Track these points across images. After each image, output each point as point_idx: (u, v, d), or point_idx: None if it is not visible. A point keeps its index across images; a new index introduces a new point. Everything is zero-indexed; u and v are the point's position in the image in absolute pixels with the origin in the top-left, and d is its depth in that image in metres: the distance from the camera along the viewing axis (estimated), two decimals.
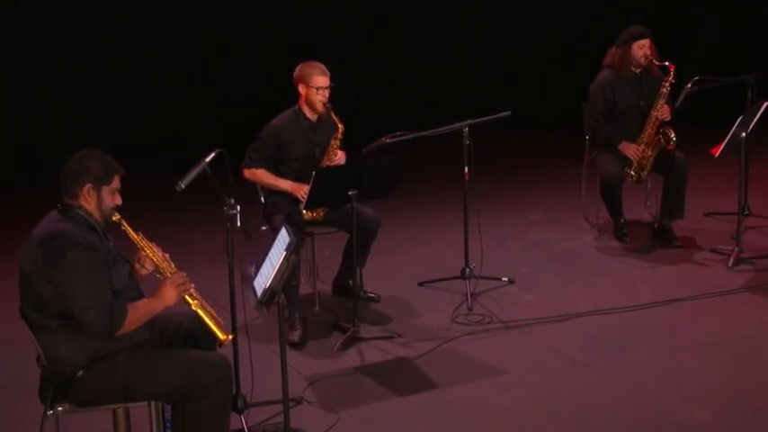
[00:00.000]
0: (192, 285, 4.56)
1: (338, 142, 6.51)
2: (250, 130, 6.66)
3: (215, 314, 4.62)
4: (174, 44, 10.68)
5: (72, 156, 4.48)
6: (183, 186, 4.98)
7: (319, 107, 6.42)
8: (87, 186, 4.42)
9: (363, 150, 6.46)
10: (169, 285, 4.49)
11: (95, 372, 4.36)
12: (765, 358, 5.79)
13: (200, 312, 4.54)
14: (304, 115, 6.49)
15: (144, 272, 4.72)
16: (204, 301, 4.60)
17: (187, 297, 4.52)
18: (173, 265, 4.62)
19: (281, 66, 7.28)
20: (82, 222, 4.40)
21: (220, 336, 4.56)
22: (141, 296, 4.56)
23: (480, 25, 12.08)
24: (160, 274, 4.61)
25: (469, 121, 6.60)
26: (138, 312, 4.40)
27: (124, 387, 4.39)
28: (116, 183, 4.50)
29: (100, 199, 4.45)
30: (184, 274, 4.57)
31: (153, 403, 4.52)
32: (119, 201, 4.52)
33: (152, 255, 4.60)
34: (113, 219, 4.49)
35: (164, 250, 4.67)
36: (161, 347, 4.60)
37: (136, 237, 4.56)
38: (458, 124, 6.60)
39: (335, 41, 11.01)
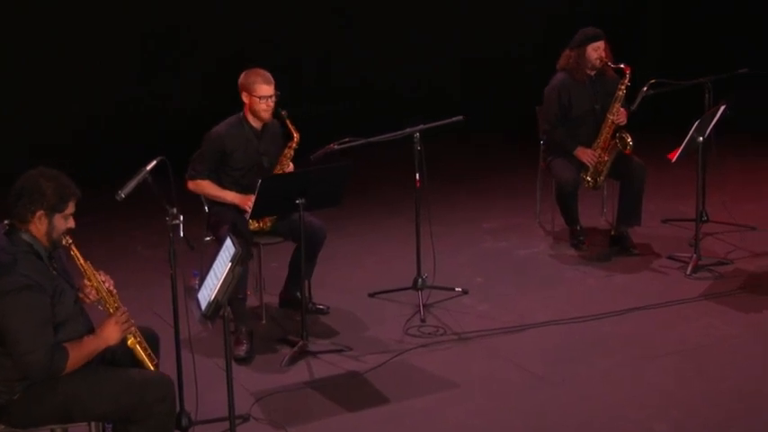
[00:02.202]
0: (133, 322, 4.56)
1: (292, 152, 6.49)
2: (192, 136, 6.64)
3: (151, 352, 4.65)
4: (112, 46, 10.61)
5: (26, 173, 4.38)
6: (123, 196, 4.95)
7: (263, 116, 6.41)
8: (39, 213, 4.34)
9: (311, 157, 6.44)
10: (113, 324, 4.47)
11: (34, 393, 4.32)
12: (725, 368, 5.85)
13: (137, 350, 4.57)
14: (249, 123, 6.47)
15: (87, 301, 4.68)
16: (141, 337, 4.61)
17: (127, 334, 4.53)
18: (117, 300, 4.60)
19: (224, 69, 7.28)
20: (26, 249, 4.32)
21: None
22: (87, 322, 4.55)
23: (434, 28, 12.13)
24: (102, 306, 4.59)
25: (421, 126, 6.61)
26: (80, 353, 4.36)
27: (64, 407, 4.35)
28: (71, 208, 4.43)
29: (51, 226, 4.37)
30: (126, 309, 4.56)
31: (93, 423, 4.49)
32: (72, 224, 4.46)
33: (97, 286, 4.57)
34: (63, 243, 4.44)
35: (110, 278, 4.66)
36: (101, 366, 4.55)
37: (84, 264, 4.53)
38: (408, 129, 6.61)
39: (285, 44, 11.07)
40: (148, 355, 4.61)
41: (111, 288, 4.62)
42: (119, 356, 4.65)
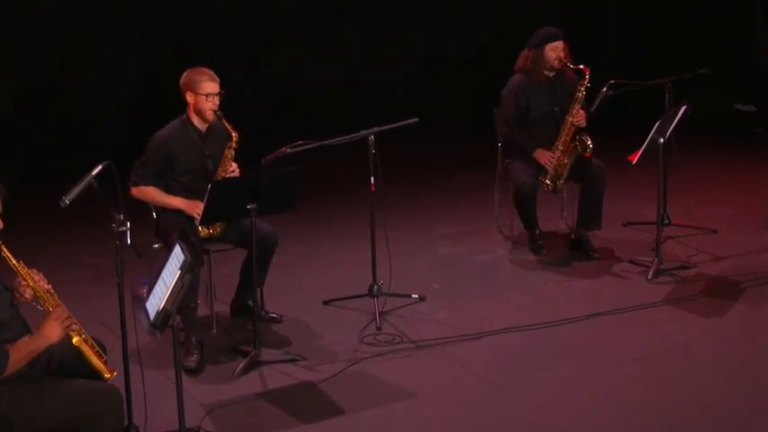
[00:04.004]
0: (76, 320, 4.53)
1: (232, 152, 6.48)
2: (137, 140, 6.62)
3: (98, 349, 4.63)
4: (41, 44, 10.54)
5: None
6: (68, 202, 4.93)
7: (209, 116, 6.38)
8: None
9: (262, 161, 6.44)
10: (53, 321, 4.44)
11: None
12: (687, 374, 5.91)
13: (84, 348, 4.54)
14: (193, 125, 6.45)
15: (24, 300, 4.66)
16: (88, 335, 4.59)
17: (69, 332, 4.50)
18: (56, 297, 4.59)
19: (168, 71, 7.25)
20: None
21: (105, 374, 4.58)
22: (24, 326, 4.53)
23: (388, 27, 12.17)
24: (40, 305, 4.57)
25: (375, 129, 6.63)
26: (21, 353, 4.36)
27: (7, 422, 4.33)
28: None
29: None
30: (65, 308, 4.53)
31: None
32: None
33: (33, 284, 4.55)
34: None
35: (47, 278, 4.63)
36: (46, 378, 4.54)
37: (17, 265, 4.51)
38: (363, 132, 6.63)
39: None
40: (97, 353, 4.58)
41: (48, 287, 4.60)
42: (65, 369, 4.64)
